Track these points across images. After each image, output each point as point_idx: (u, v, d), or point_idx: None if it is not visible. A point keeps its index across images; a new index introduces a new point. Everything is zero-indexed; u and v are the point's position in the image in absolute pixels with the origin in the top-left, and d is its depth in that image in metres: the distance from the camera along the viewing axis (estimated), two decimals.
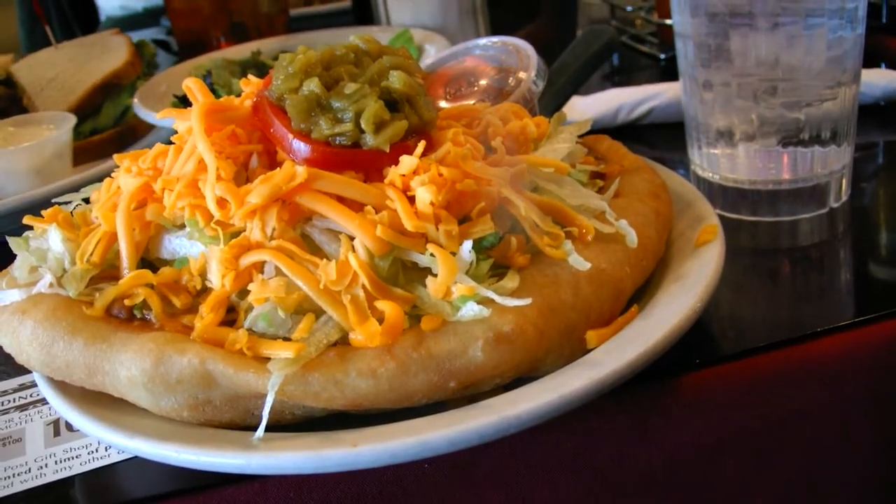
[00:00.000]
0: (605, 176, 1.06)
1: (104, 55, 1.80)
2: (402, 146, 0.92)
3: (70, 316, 0.89)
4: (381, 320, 0.83)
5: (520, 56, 1.19)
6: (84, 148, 1.58)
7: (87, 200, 1.08)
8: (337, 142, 0.91)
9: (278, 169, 0.89)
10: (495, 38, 1.25)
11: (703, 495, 0.97)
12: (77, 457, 0.96)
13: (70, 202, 1.05)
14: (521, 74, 1.16)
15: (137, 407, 0.88)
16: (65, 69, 1.70)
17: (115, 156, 1.04)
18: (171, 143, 1.00)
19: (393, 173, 0.89)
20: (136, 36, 2.01)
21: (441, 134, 0.95)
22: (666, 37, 1.98)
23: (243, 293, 0.87)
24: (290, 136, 0.92)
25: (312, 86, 0.93)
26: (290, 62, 0.96)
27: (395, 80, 0.94)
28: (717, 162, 1.22)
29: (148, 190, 0.95)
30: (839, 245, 1.19)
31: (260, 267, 0.87)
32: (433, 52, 1.60)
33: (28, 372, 1.10)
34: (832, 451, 0.99)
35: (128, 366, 0.84)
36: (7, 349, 0.93)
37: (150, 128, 1.66)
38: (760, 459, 0.98)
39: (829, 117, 1.15)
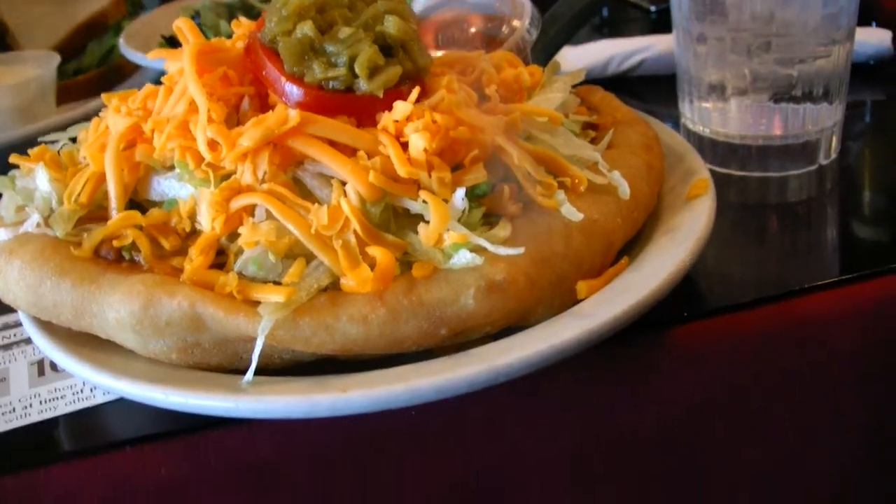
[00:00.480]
0: (597, 127, 1.06)
1: None
2: (396, 92, 0.91)
3: (58, 256, 0.88)
4: (372, 266, 0.82)
5: (513, 4, 1.17)
6: (68, 88, 1.55)
7: (73, 140, 1.06)
8: (330, 86, 0.90)
9: (270, 112, 0.88)
10: None
11: (695, 454, 0.98)
12: (62, 397, 0.96)
13: (57, 141, 1.03)
14: (515, 23, 1.15)
15: (124, 349, 0.88)
16: (49, 8, 1.67)
17: (103, 95, 1.03)
18: (160, 83, 0.98)
19: (386, 119, 0.88)
20: None
21: (435, 81, 0.94)
22: None
23: (233, 236, 0.87)
24: (283, 79, 0.91)
25: (306, 29, 0.91)
26: (284, 5, 0.94)
27: (390, 25, 0.93)
28: (708, 116, 1.22)
29: (137, 130, 0.93)
30: (827, 202, 1.20)
31: (250, 210, 0.87)
32: None
33: (11, 311, 1.10)
34: (822, 413, 1.00)
35: (116, 308, 0.83)
36: None
37: (135, 68, 1.64)
38: (752, 418, 0.99)
39: (821, 74, 1.15)
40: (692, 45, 1.18)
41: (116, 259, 0.89)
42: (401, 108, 0.87)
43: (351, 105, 0.90)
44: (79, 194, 0.92)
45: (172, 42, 1.50)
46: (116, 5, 1.65)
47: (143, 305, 0.82)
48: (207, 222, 0.87)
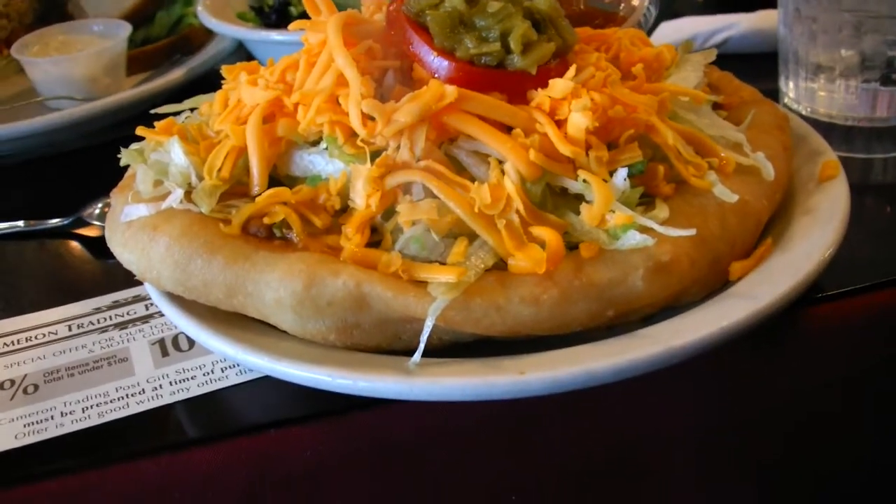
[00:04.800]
0: (722, 106, 1.04)
1: None
2: (545, 69, 0.89)
3: (206, 233, 0.85)
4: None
5: None
6: (136, 57, 1.51)
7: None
8: (482, 61, 0.88)
9: (425, 87, 0.85)
10: None
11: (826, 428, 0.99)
12: (192, 378, 0.93)
13: (179, 114, 1.00)
14: (635, 1, 1.13)
15: (266, 326, 0.86)
16: None
17: (224, 68, 1.01)
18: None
19: (541, 96, 0.87)
20: None
21: (579, 57, 0.93)
22: None
23: (387, 214, 0.85)
24: (433, 53, 0.89)
25: (455, 2, 0.89)
26: None
27: (540, 0, 0.91)
28: (813, 96, 1.21)
29: (277, 104, 0.91)
30: None
31: (404, 188, 0.85)
32: None
33: (120, 288, 1.08)
34: None
35: (275, 287, 0.81)
36: (130, 266, 0.89)
37: (204, 39, 1.59)
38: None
39: None
40: (801, 24, 1.17)
41: (267, 236, 0.86)
42: (560, 85, 0.86)
43: (502, 81, 0.88)
44: (219, 169, 0.89)
45: (261, 14, 1.46)
46: None
47: (305, 285, 0.80)
48: (362, 199, 0.84)
